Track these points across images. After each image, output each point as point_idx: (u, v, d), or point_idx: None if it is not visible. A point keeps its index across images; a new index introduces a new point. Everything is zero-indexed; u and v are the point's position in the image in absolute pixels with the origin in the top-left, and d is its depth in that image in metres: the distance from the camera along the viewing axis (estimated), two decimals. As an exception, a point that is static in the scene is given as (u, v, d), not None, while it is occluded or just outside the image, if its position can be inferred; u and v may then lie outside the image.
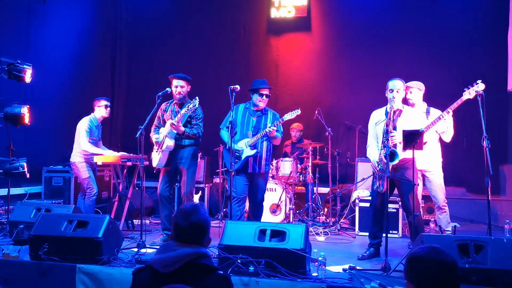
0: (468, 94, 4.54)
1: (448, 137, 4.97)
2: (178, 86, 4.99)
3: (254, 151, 4.84)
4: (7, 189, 5.10)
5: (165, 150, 4.90)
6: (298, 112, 4.90)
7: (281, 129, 5.04)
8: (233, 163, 4.84)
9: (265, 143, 4.96)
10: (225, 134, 4.98)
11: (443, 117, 4.72)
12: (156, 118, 5.10)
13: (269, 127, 4.77)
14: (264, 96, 4.97)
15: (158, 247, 4.60)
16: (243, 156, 4.82)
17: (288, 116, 4.87)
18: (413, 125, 4.25)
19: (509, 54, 6.79)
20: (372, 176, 6.32)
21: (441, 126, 4.88)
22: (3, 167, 4.78)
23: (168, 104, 5.12)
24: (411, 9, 7.57)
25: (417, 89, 4.99)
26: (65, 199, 6.32)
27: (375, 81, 7.27)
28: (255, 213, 5.01)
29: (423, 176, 5.05)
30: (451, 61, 7.12)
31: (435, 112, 4.98)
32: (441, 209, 4.99)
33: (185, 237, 1.99)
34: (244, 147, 4.86)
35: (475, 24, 7.18)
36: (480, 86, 4.47)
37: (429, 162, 4.95)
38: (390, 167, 4.15)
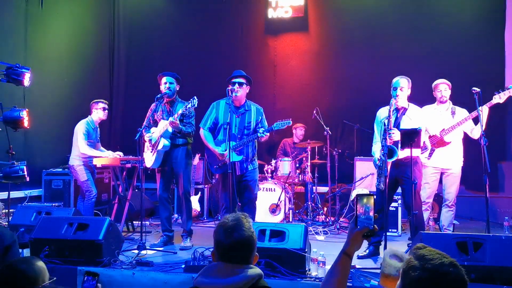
0: (499, 98, 4.61)
1: (477, 134, 4.85)
2: (167, 83, 4.93)
3: (241, 157, 4.60)
4: (7, 193, 5.10)
5: (160, 150, 4.85)
6: (289, 123, 4.59)
7: (265, 124, 4.81)
8: (216, 167, 4.81)
9: (250, 144, 4.76)
10: (207, 136, 4.82)
11: (481, 111, 4.67)
12: (145, 119, 5.01)
13: (262, 133, 4.55)
14: (237, 84, 4.70)
15: (159, 248, 4.66)
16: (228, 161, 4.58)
17: (278, 126, 4.57)
18: (418, 123, 4.26)
19: (506, 52, 6.81)
20: (371, 175, 6.39)
21: (467, 126, 4.86)
22: (3, 170, 4.78)
23: (158, 105, 5.03)
24: (408, 8, 7.59)
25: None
26: (65, 202, 6.32)
27: (373, 81, 7.33)
28: (248, 213, 4.72)
29: (442, 174, 4.98)
30: (449, 61, 7.14)
31: (460, 111, 4.95)
32: (449, 207, 4.95)
33: (230, 255, 1.79)
34: (223, 150, 4.63)
35: (472, 23, 7.21)
36: None
37: (450, 161, 4.91)
38: (389, 164, 4.17)
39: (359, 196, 1.71)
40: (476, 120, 4.84)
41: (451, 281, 1.38)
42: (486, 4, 7.27)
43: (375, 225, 1.69)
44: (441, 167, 4.93)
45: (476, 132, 4.87)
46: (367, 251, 4.41)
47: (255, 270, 1.79)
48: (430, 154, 4.87)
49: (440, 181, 5.04)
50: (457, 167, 4.95)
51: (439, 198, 5.73)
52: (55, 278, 2.11)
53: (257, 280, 1.77)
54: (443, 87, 4.95)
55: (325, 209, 6.82)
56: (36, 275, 1.96)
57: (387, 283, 1.63)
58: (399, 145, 4.18)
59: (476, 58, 7.01)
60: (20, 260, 2.05)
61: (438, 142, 4.85)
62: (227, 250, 1.80)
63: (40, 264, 2.03)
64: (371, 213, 1.69)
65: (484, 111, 4.69)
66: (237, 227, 1.83)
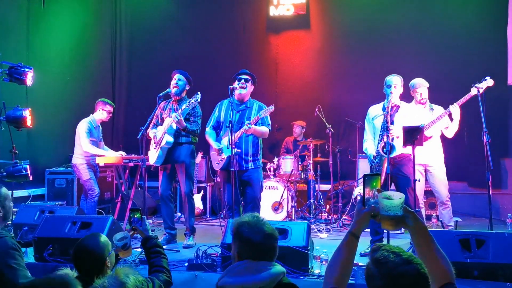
0: (476, 90, 4.58)
1: (451, 133, 4.97)
2: (176, 79, 4.95)
3: (235, 150, 4.50)
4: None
5: (164, 147, 4.84)
6: (271, 108, 4.61)
7: (267, 121, 4.76)
8: (217, 163, 4.82)
9: (250, 138, 4.71)
10: (210, 133, 4.87)
11: (449, 111, 4.73)
12: (154, 117, 5.05)
13: (246, 125, 4.53)
14: (243, 80, 4.73)
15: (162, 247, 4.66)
16: (225, 156, 4.65)
17: (263, 113, 4.59)
18: (411, 120, 4.28)
19: (508, 48, 6.77)
20: (372, 173, 6.39)
21: (444, 122, 4.90)
22: (6, 169, 4.80)
23: (167, 103, 5.08)
24: (410, 5, 7.57)
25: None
26: (68, 201, 6.34)
27: (374, 78, 7.27)
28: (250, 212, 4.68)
29: (426, 171, 5.05)
30: (451, 57, 7.12)
31: (438, 108, 5.00)
32: (444, 204, 5.00)
33: (262, 251, 1.81)
34: (226, 147, 4.64)
35: (474, 18, 7.17)
36: (489, 82, 4.54)
37: (431, 157, 4.97)
38: (387, 161, 4.18)
39: (367, 177, 1.70)
40: (455, 118, 4.88)
41: (410, 279, 1.35)
42: (488, 0, 7.24)
43: None
44: (423, 163, 4.97)
45: (450, 130, 4.94)
46: (369, 249, 4.41)
47: (279, 268, 1.80)
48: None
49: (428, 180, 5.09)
50: (439, 163, 5.02)
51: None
52: (113, 250, 2.47)
53: (282, 278, 1.79)
54: (423, 91, 4.99)
55: (328, 206, 6.81)
56: (102, 250, 2.35)
57: (386, 225, 1.66)
58: (397, 142, 4.19)
59: (478, 54, 6.98)
60: (87, 239, 2.40)
61: None
62: (261, 245, 1.81)
63: (103, 238, 2.42)
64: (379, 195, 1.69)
65: (456, 111, 4.76)
66: (261, 223, 1.86)
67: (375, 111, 4.51)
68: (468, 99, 4.65)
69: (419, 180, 4.21)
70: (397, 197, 1.64)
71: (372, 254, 1.46)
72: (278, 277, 1.76)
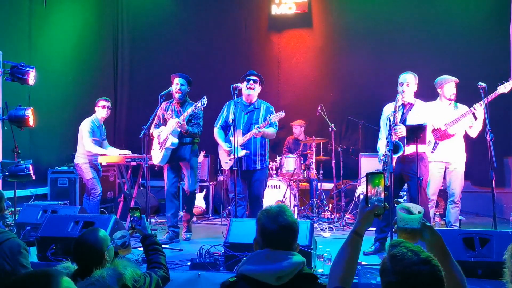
0: (504, 88, 4.54)
1: (475, 132, 4.84)
2: (179, 84, 4.99)
3: (244, 152, 4.65)
4: (13, 191, 5.12)
5: (169, 148, 4.91)
6: (282, 114, 4.67)
7: (275, 122, 4.82)
8: (226, 163, 4.88)
9: (258, 139, 4.80)
10: (219, 133, 4.95)
11: (475, 109, 4.65)
12: (156, 117, 5.10)
13: (256, 129, 4.62)
14: (251, 81, 4.78)
15: (165, 246, 4.66)
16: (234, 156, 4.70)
17: (273, 118, 4.65)
18: (424, 119, 4.23)
19: (511, 47, 6.76)
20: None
21: (468, 120, 4.81)
22: (9, 169, 4.80)
23: (169, 104, 5.13)
24: (412, 3, 7.55)
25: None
26: (71, 200, 6.34)
27: (377, 76, 7.30)
28: (253, 210, 4.83)
29: (446, 169, 4.93)
30: (454, 55, 7.10)
31: (463, 108, 4.91)
32: (455, 203, 4.92)
33: (276, 241, 1.83)
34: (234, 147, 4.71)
35: (477, 17, 7.16)
36: None
37: (454, 154, 4.86)
38: (395, 160, 4.15)
39: (370, 175, 1.68)
40: (480, 117, 4.81)
41: (423, 280, 1.30)
42: (491, -1, 7.22)
43: (385, 203, 1.67)
44: (445, 161, 4.89)
45: (474, 130, 4.83)
46: (373, 247, 4.40)
47: (299, 257, 1.81)
48: (434, 148, 4.83)
49: (444, 177, 5.01)
50: (461, 162, 4.92)
51: (444, 194, 5.70)
52: (112, 245, 2.47)
53: (302, 267, 1.80)
54: (454, 86, 4.90)
55: (330, 205, 6.80)
56: (101, 244, 2.35)
57: (402, 238, 1.64)
58: (405, 141, 4.16)
59: (481, 53, 6.97)
60: (86, 233, 2.42)
61: (442, 135, 4.83)
62: (273, 235, 1.83)
63: (102, 233, 2.42)
64: (382, 194, 1.67)
65: (480, 110, 4.66)
66: (281, 213, 1.87)
67: (390, 109, 4.45)
68: (494, 97, 4.59)
69: (422, 179, 4.17)
70: (416, 211, 1.62)
71: (390, 249, 1.42)
72: (298, 266, 1.77)
